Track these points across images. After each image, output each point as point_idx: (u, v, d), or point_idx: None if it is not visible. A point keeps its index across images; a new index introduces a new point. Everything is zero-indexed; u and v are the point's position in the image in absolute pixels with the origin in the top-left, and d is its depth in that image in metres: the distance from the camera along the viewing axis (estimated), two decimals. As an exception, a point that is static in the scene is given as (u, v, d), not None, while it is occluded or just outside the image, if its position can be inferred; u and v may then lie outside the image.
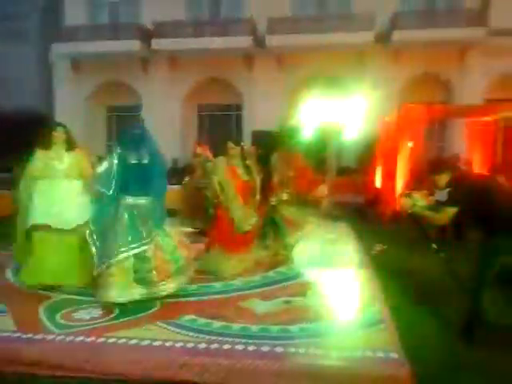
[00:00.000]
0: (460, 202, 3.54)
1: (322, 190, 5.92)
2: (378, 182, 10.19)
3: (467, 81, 14.54)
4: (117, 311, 3.56)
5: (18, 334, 3.12)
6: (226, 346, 2.90)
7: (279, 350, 2.85)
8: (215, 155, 5.47)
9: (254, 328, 3.21)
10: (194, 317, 3.42)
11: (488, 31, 13.62)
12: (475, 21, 13.75)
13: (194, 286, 4.20)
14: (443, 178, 3.82)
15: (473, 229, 3.83)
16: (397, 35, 14.10)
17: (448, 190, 3.72)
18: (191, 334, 3.11)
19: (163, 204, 4.08)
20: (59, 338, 3.06)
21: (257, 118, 15.11)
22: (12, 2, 23.61)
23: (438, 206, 3.85)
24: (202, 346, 2.93)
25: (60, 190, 4.18)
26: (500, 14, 13.74)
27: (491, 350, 3.30)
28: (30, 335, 3.09)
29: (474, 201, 3.49)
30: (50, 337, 3.08)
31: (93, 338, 3.04)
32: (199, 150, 7.23)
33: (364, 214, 9.79)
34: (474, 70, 14.43)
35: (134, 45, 15.48)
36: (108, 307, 3.61)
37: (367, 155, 11.33)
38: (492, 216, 3.45)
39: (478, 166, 9.19)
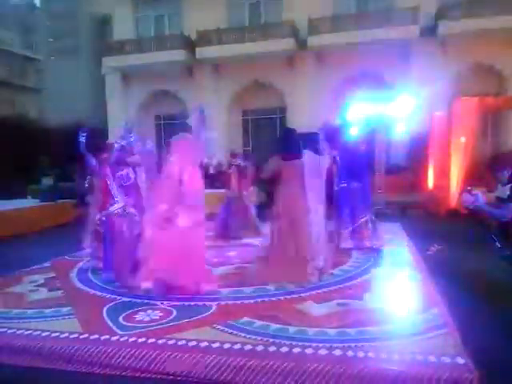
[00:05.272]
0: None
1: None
2: (431, 180, 9.84)
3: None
4: (174, 313, 3.66)
5: (84, 335, 3.26)
6: (283, 349, 2.90)
7: (338, 353, 2.82)
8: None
9: (311, 331, 3.18)
10: (250, 319, 3.45)
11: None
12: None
13: (249, 289, 4.25)
14: (505, 174, 3.65)
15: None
16: (443, 27, 13.59)
17: (511, 185, 3.55)
18: (248, 336, 3.14)
19: None
20: (122, 339, 3.18)
21: (300, 119, 15.02)
22: (63, 18, 25.06)
23: (499, 202, 3.68)
24: (260, 348, 2.94)
25: None
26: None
27: None
28: (95, 336, 3.24)
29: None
30: (114, 338, 3.21)
31: (153, 340, 3.13)
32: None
33: (418, 212, 9.49)
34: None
35: (179, 54, 15.93)
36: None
37: (418, 153, 10.98)
38: None
39: (540, 160, 8.66)
